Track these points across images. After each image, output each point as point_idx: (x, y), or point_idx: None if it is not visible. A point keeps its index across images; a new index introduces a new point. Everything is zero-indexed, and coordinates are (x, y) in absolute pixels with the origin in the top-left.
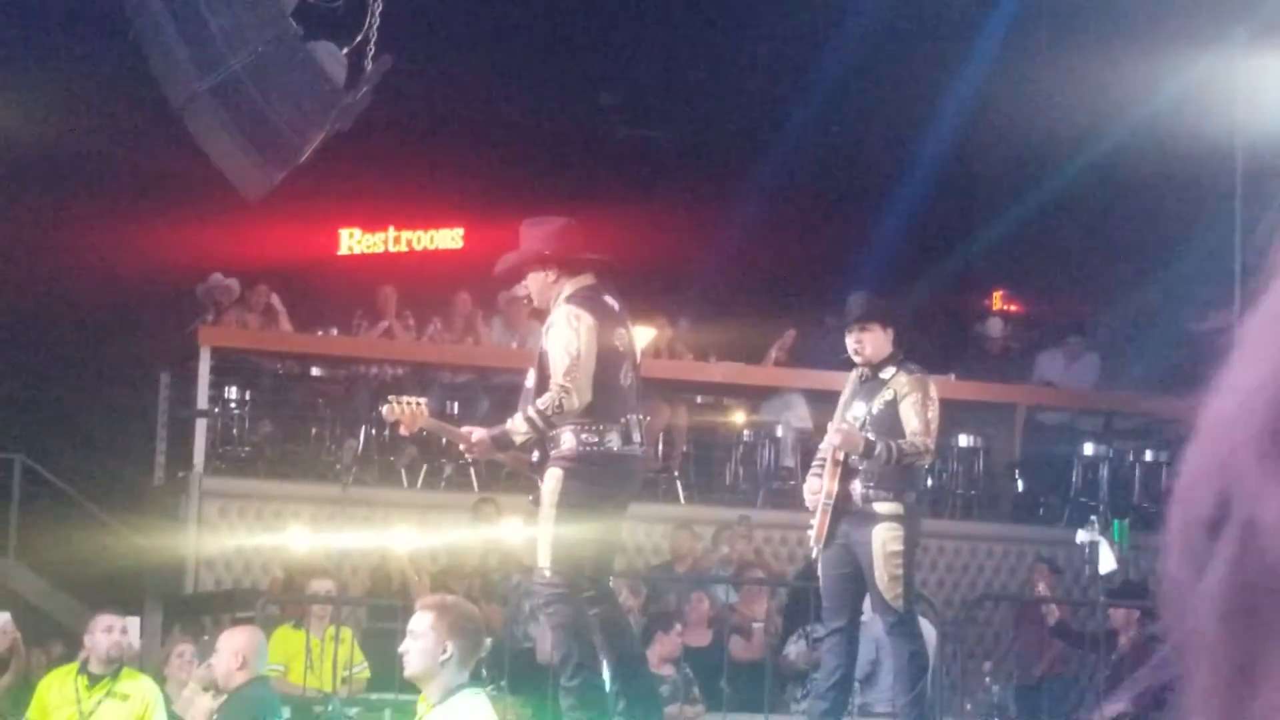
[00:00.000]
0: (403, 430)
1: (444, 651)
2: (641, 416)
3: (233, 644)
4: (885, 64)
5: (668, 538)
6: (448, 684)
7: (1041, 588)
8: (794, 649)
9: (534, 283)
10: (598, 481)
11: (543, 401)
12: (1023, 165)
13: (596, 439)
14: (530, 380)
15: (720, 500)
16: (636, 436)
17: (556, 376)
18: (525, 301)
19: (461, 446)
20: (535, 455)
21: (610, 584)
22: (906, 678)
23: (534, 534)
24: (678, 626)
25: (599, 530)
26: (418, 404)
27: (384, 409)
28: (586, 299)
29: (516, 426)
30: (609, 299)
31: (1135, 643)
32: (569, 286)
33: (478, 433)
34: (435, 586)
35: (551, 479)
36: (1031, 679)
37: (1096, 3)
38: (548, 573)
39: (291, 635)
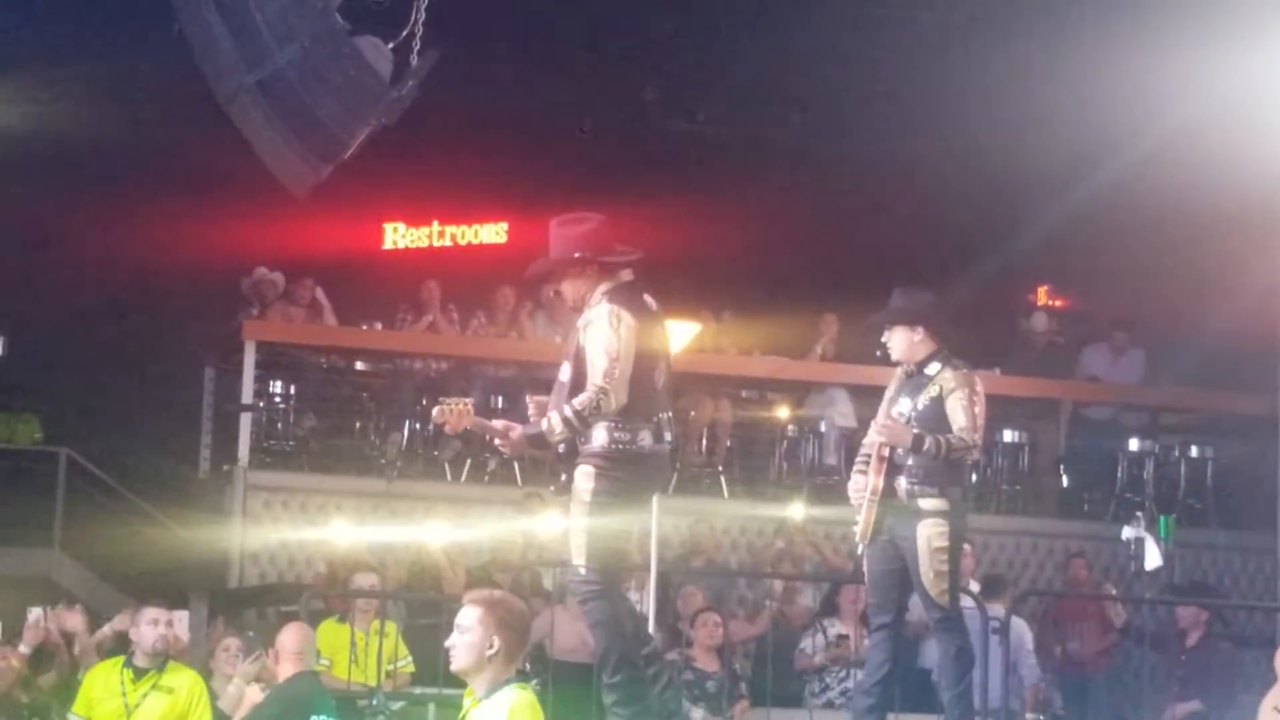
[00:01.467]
0: (448, 430)
1: (491, 646)
2: (671, 414)
3: (284, 639)
4: (933, 57)
5: (713, 533)
6: (494, 679)
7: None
8: (810, 643)
9: (568, 284)
10: (630, 479)
11: (579, 402)
12: (1069, 160)
13: (629, 437)
14: (565, 374)
15: (764, 496)
16: (668, 435)
17: (595, 377)
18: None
19: (497, 442)
20: (562, 448)
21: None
22: (952, 673)
23: (568, 530)
24: (715, 615)
25: (628, 523)
26: (464, 404)
27: (435, 411)
28: (627, 298)
29: (553, 426)
30: (648, 297)
31: (1200, 642)
32: (606, 283)
33: (515, 430)
34: (476, 581)
35: (584, 477)
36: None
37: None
38: (584, 570)
39: (337, 630)
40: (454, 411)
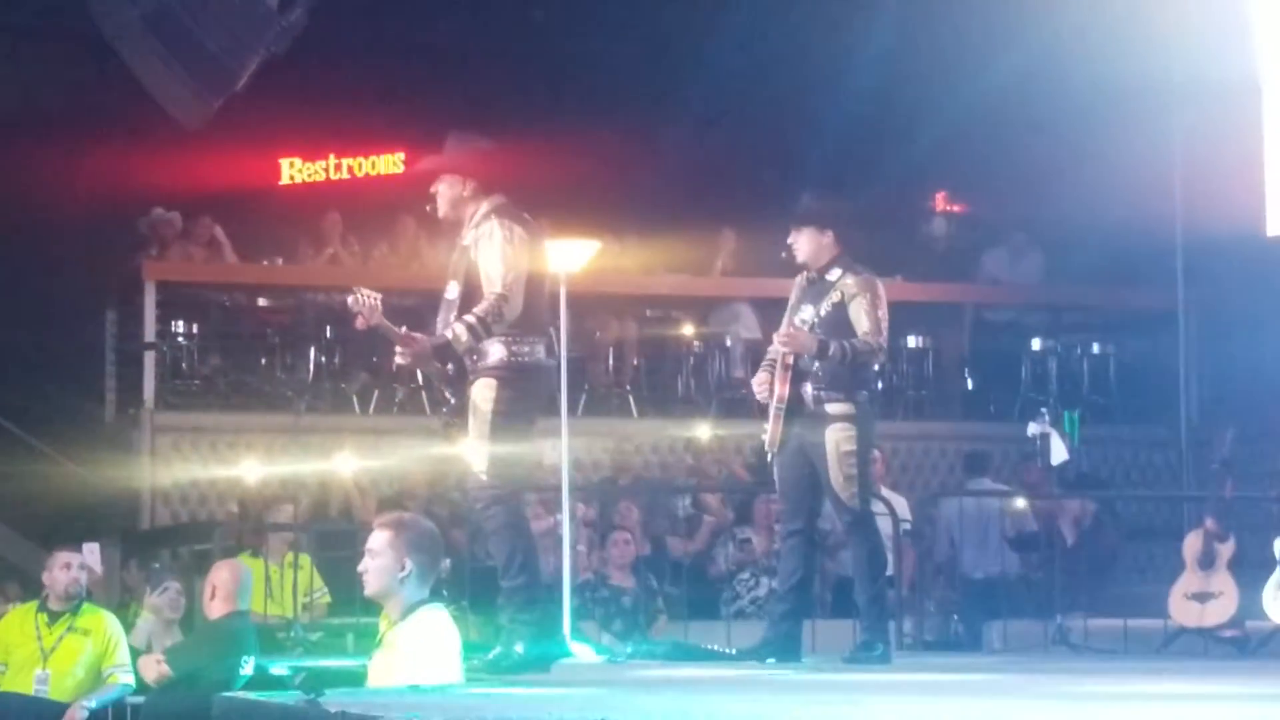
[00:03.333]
0: (359, 323)
1: (402, 568)
2: (557, 329)
3: (214, 577)
4: None
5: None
6: (408, 601)
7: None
8: (720, 553)
9: (447, 191)
10: (529, 390)
11: (481, 309)
12: (962, 65)
13: (527, 349)
14: (452, 292)
15: (673, 413)
16: (555, 348)
17: (495, 285)
18: (429, 210)
19: (399, 347)
20: (451, 368)
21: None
22: (866, 575)
23: (470, 443)
24: (625, 534)
25: (526, 436)
26: (374, 297)
27: (349, 299)
28: (513, 214)
29: (458, 334)
30: (526, 214)
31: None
32: (485, 204)
33: (419, 338)
34: (389, 508)
35: (485, 388)
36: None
37: None
38: (485, 477)
39: (251, 564)
40: (367, 303)
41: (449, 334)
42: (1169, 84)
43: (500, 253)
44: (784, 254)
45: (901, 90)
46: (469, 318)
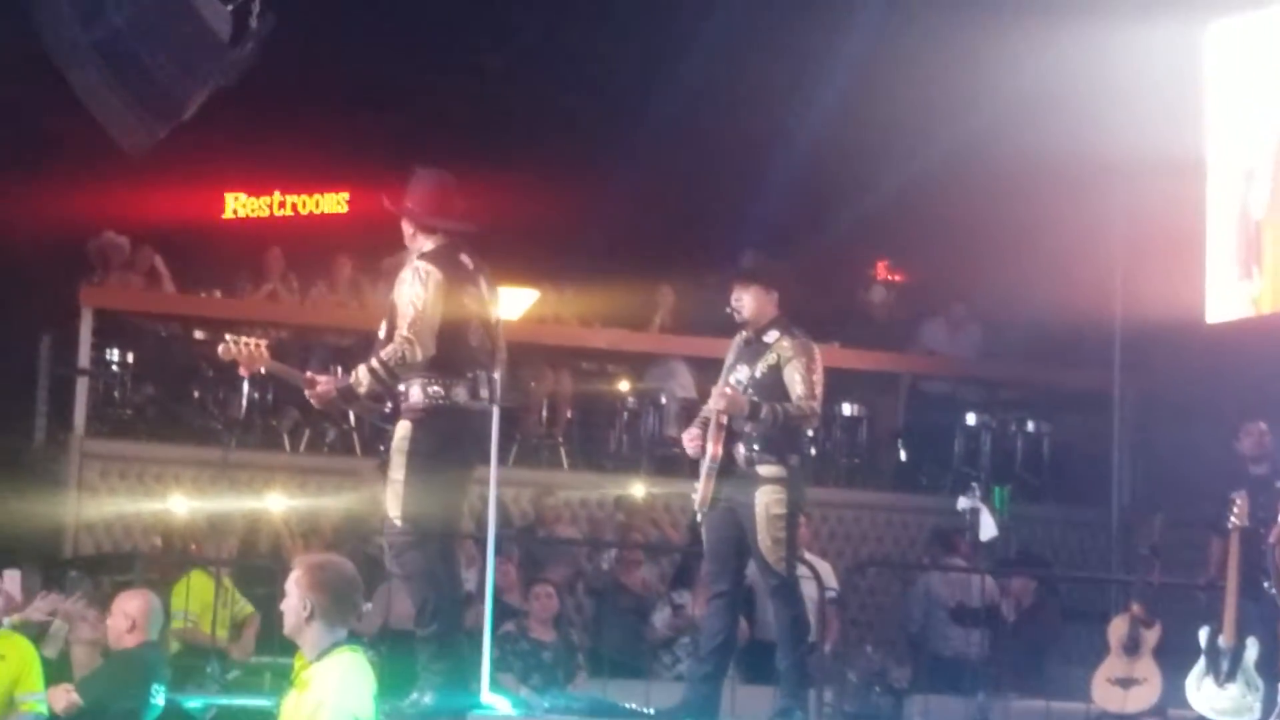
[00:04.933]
0: (242, 371)
1: (305, 608)
2: (494, 375)
3: (126, 606)
4: (767, 30)
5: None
6: (317, 642)
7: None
8: (659, 617)
9: (404, 229)
10: (445, 433)
11: (386, 353)
12: (905, 135)
13: (443, 392)
14: (382, 331)
15: (605, 468)
16: (484, 392)
17: (401, 329)
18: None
19: (306, 392)
20: (388, 407)
21: (454, 544)
22: (789, 642)
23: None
24: (549, 587)
25: (447, 481)
26: (256, 345)
27: (220, 348)
28: (439, 256)
29: (360, 377)
30: (464, 257)
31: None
32: (428, 243)
33: (323, 383)
34: (317, 548)
35: (401, 429)
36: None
37: None
38: (398, 522)
39: (206, 583)
40: (244, 351)
41: (352, 376)
42: (1113, 162)
43: (410, 295)
44: (728, 309)
45: (845, 155)
46: (373, 360)
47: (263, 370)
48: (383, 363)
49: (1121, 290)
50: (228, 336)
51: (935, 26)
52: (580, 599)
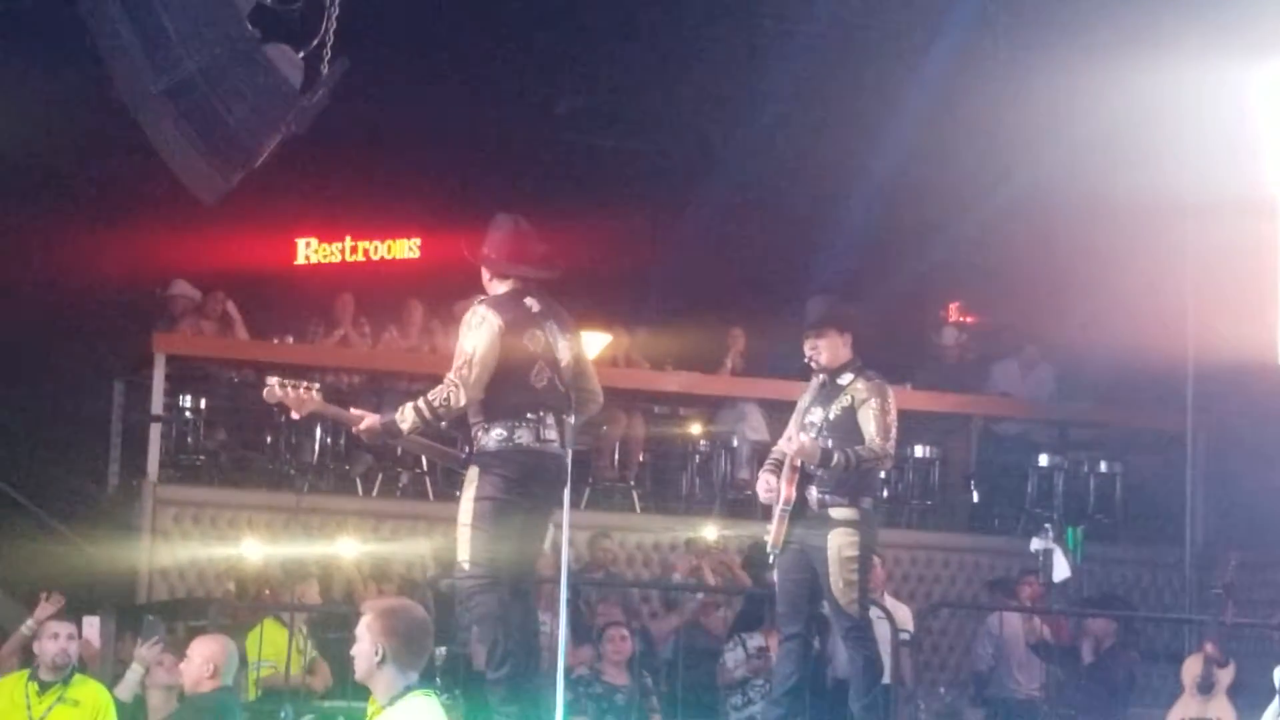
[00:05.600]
0: (293, 414)
1: (376, 653)
2: (565, 417)
3: (205, 651)
4: (840, 73)
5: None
6: (389, 687)
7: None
8: (731, 657)
9: (483, 278)
10: (512, 477)
11: (432, 394)
12: (976, 177)
13: (505, 434)
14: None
15: (676, 511)
16: (552, 434)
17: (450, 372)
18: None
19: (352, 429)
20: (466, 452)
21: (527, 586)
22: (861, 684)
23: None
24: (623, 630)
25: (516, 524)
26: (307, 388)
27: (265, 391)
28: (501, 300)
29: (405, 414)
30: (529, 300)
31: (1108, 653)
32: (501, 288)
33: (369, 419)
34: (391, 593)
35: (471, 474)
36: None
37: (1050, 15)
38: (467, 565)
39: (280, 631)
40: (292, 395)
41: (397, 414)
42: (1182, 201)
43: (463, 340)
44: (805, 359)
45: (917, 197)
46: (419, 400)
47: (312, 412)
48: (428, 403)
49: (1193, 330)
50: (272, 379)
51: (1005, 69)
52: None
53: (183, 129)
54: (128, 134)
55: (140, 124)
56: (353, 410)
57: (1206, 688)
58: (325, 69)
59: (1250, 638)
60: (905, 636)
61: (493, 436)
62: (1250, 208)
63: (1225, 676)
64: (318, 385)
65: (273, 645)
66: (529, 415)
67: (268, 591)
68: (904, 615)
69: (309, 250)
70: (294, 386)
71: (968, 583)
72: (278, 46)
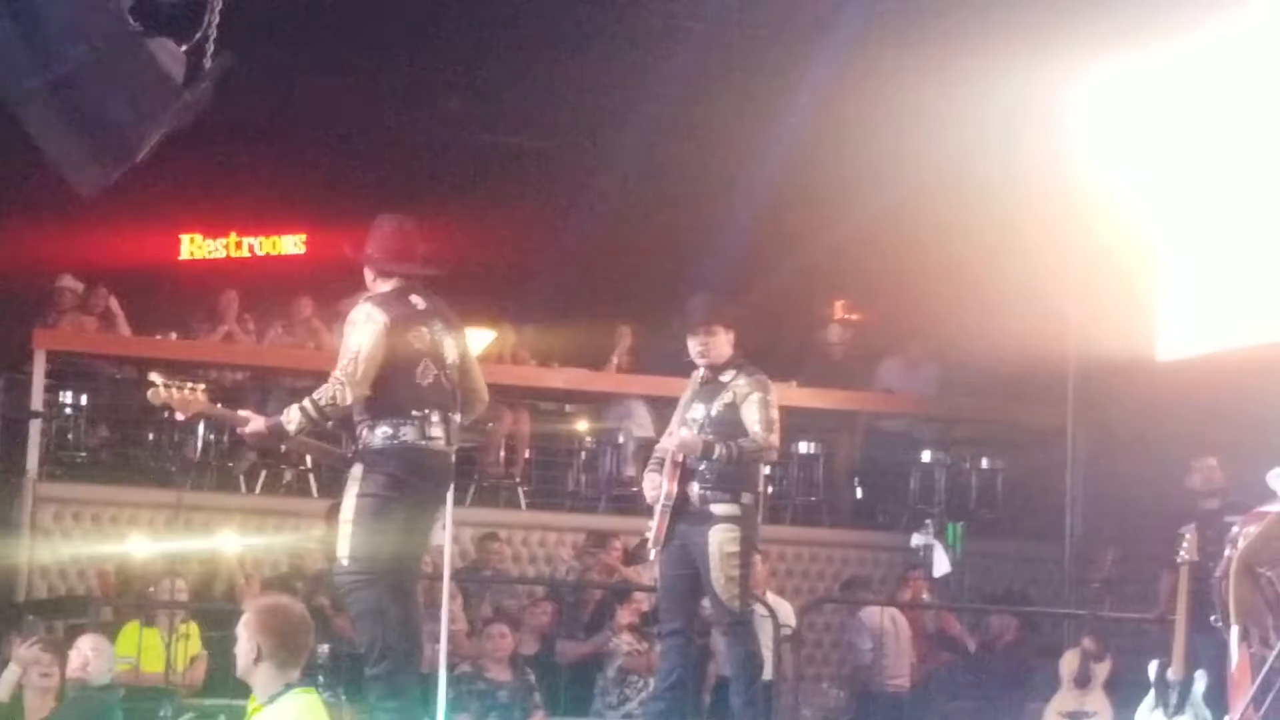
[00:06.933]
0: (179, 415)
1: (254, 651)
2: (452, 415)
3: (83, 649)
4: (726, 74)
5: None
6: (268, 684)
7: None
8: (612, 654)
9: (366, 278)
10: (394, 474)
11: (317, 393)
12: (862, 176)
13: (391, 432)
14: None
15: (563, 507)
16: (437, 432)
17: (336, 370)
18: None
19: (238, 430)
20: (350, 451)
21: (410, 583)
22: (743, 680)
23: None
24: (504, 628)
25: (398, 521)
26: (192, 388)
27: (149, 393)
28: (387, 298)
29: (291, 416)
30: (415, 298)
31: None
32: (385, 286)
33: (254, 421)
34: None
35: (355, 471)
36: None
37: (937, 17)
38: (346, 561)
39: (143, 632)
40: (178, 396)
41: (284, 415)
42: (1065, 201)
43: (349, 338)
44: (695, 357)
45: (803, 196)
46: (305, 400)
47: (199, 414)
48: (314, 402)
49: (1075, 328)
50: (159, 381)
51: (892, 68)
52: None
53: (62, 123)
54: (5, 128)
55: (18, 118)
56: (240, 412)
57: (1084, 681)
58: (209, 63)
59: (1127, 632)
60: (787, 632)
61: (378, 434)
62: (1131, 206)
63: (1102, 670)
64: (203, 386)
65: (148, 641)
66: (414, 413)
67: (151, 589)
68: (786, 611)
69: (193, 246)
70: (179, 387)
71: (852, 578)
72: (160, 40)
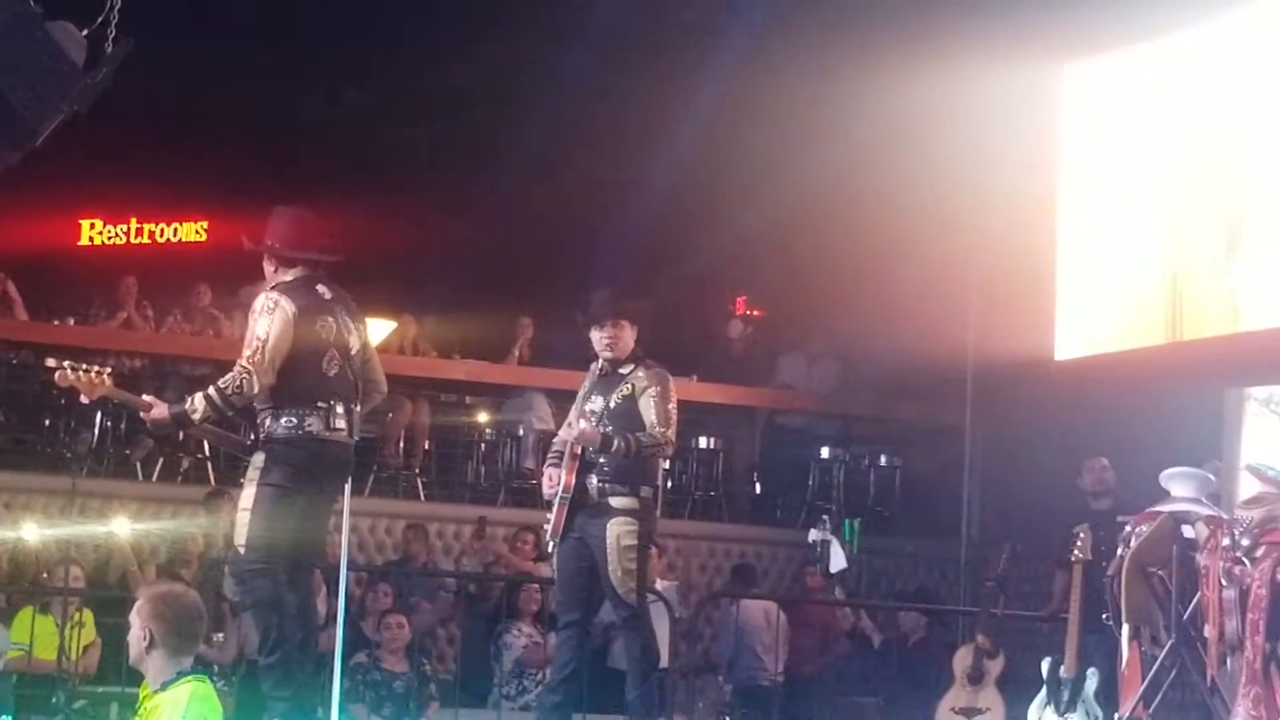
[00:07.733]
0: (83, 398)
1: (145, 638)
2: (354, 405)
3: None
4: (625, 68)
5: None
6: (160, 671)
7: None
8: (508, 645)
9: (265, 268)
10: (297, 464)
11: (223, 381)
12: (764, 172)
13: (295, 422)
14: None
15: (461, 499)
16: (340, 423)
17: (240, 358)
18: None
19: (142, 415)
20: (250, 439)
21: (307, 573)
22: (638, 672)
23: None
24: (400, 618)
25: (297, 512)
26: (98, 372)
27: (57, 375)
28: (294, 286)
29: (195, 404)
30: (321, 287)
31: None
32: (287, 276)
33: (158, 408)
34: (166, 577)
35: (256, 459)
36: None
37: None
38: (243, 549)
39: (38, 619)
40: (84, 379)
41: (188, 402)
42: (967, 201)
43: (254, 327)
44: (601, 350)
45: (706, 191)
46: (210, 388)
47: (103, 396)
48: (219, 390)
49: (974, 327)
50: (65, 363)
51: (793, 65)
52: (453, 631)
53: None
54: None
55: None
56: (144, 397)
57: (977, 678)
58: (110, 47)
59: (1020, 629)
60: (684, 627)
61: (282, 424)
62: (1032, 208)
63: (995, 667)
64: (109, 369)
65: (40, 627)
66: (320, 404)
67: (44, 575)
68: (674, 597)
69: (93, 231)
70: (85, 370)
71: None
72: (60, 23)
